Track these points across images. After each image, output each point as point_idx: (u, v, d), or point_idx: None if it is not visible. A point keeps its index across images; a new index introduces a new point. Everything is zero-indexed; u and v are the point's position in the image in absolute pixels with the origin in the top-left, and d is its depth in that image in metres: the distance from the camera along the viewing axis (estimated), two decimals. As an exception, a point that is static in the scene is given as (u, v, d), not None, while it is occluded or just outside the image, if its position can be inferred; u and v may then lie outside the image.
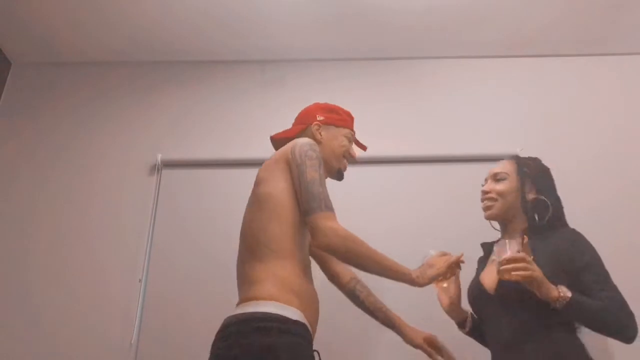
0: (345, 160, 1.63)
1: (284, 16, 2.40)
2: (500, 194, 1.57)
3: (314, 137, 1.57)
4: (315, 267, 1.58)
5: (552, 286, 1.35)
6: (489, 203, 1.59)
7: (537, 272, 1.34)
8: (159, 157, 2.35)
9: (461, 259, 1.51)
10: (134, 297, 2.08)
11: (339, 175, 1.64)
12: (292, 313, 1.25)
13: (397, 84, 2.61)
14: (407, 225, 2.21)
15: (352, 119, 1.69)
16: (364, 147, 1.75)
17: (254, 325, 1.22)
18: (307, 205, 1.34)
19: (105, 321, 2.06)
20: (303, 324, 1.26)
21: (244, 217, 1.47)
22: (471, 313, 1.64)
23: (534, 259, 1.37)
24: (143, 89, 2.59)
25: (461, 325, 1.64)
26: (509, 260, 1.35)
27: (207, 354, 1.27)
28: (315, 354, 1.30)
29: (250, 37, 2.53)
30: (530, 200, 1.56)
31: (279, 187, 1.39)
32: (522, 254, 1.35)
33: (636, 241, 2.20)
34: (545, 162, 2.43)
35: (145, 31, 2.48)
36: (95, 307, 2.08)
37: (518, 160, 1.64)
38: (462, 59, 2.68)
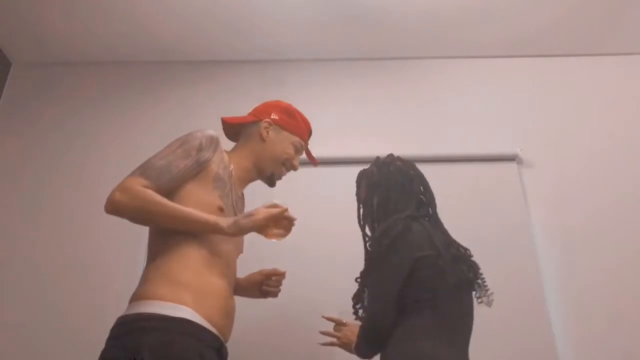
0: (283, 168, 1.55)
1: (284, 16, 2.40)
2: None
3: (259, 135, 1.53)
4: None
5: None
6: None
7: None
8: (159, 157, 2.35)
9: (286, 213, 1.32)
10: (134, 297, 2.08)
11: (270, 180, 1.55)
12: (174, 311, 1.21)
13: (397, 84, 2.61)
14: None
15: (308, 129, 1.62)
16: (314, 161, 1.67)
17: (132, 326, 1.22)
18: None
19: (105, 321, 2.04)
20: (186, 321, 1.21)
21: None
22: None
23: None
24: (143, 89, 2.59)
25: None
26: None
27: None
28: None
29: (251, 37, 2.53)
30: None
31: None
32: None
33: (638, 242, 2.19)
34: (546, 162, 2.44)
35: (145, 31, 2.48)
36: (96, 307, 2.08)
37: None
38: (462, 59, 2.68)
